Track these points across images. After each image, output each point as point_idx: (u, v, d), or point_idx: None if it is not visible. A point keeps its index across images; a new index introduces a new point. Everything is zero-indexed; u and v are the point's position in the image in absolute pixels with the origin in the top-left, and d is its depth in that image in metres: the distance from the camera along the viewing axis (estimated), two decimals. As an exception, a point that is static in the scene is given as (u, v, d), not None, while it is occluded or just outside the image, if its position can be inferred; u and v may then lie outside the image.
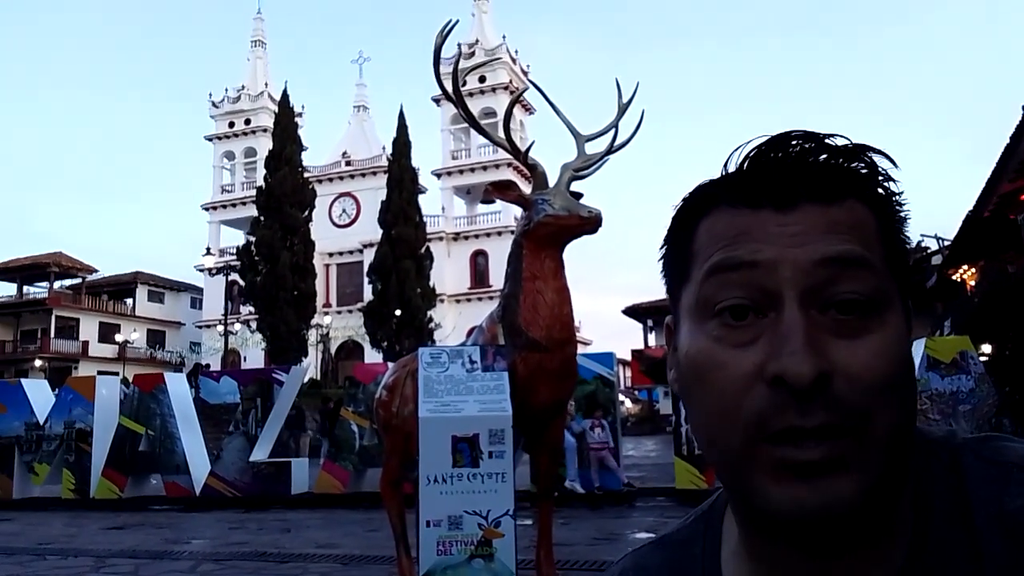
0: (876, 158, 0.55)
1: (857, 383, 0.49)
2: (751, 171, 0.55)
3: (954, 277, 21.47)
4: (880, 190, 0.55)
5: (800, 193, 0.53)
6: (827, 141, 0.54)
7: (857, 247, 0.51)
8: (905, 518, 0.54)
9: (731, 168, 0.57)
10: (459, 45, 38.40)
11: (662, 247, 0.61)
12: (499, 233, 43.26)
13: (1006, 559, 0.50)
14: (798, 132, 0.55)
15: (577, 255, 33.03)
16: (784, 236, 0.52)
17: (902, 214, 0.56)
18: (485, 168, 43.64)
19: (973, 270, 20.78)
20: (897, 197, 0.56)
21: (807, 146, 0.54)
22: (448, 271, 43.76)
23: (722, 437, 0.52)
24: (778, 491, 0.49)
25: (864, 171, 0.55)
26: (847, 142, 0.55)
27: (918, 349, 9.13)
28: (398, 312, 35.30)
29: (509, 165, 40.09)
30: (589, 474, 9.58)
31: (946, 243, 22.23)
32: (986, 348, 17.34)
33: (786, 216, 0.52)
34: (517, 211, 4.39)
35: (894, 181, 0.55)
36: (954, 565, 0.52)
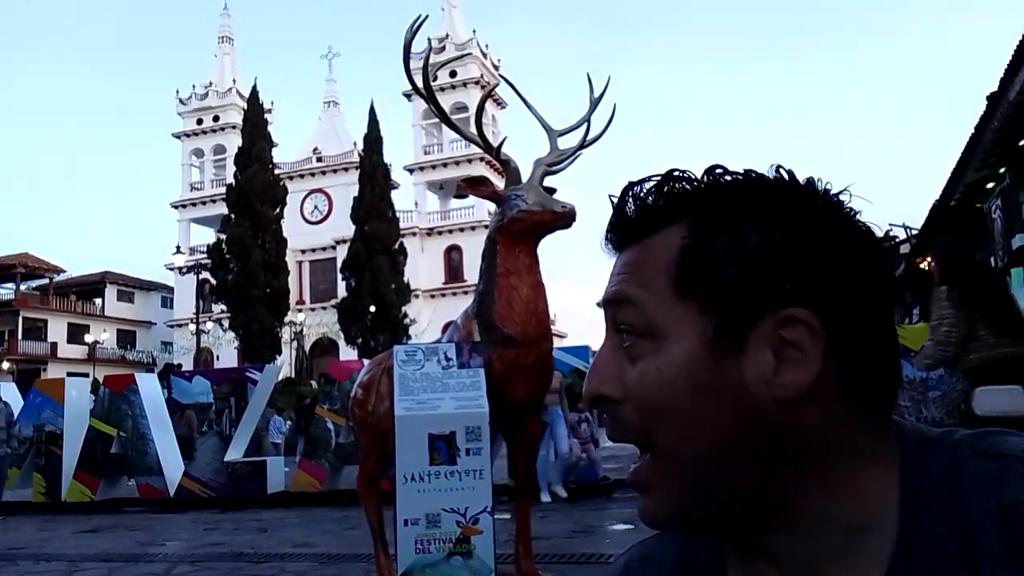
0: (698, 176, 0.58)
1: (633, 405, 0.55)
2: (608, 224, 0.62)
3: (922, 266, 21.77)
4: (700, 207, 0.56)
5: (625, 239, 0.60)
6: (650, 181, 0.59)
7: (625, 287, 0.57)
8: (893, 513, 0.54)
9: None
10: (429, 40, 38.04)
11: None
12: (473, 228, 43.24)
13: (1002, 552, 0.50)
14: (635, 181, 0.60)
15: (552, 248, 33.00)
16: (609, 277, 0.60)
17: (742, 219, 0.55)
18: (458, 163, 43.59)
19: (940, 258, 21.08)
20: (724, 205, 0.55)
21: (636, 193, 0.59)
22: (422, 266, 43.67)
23: None
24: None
25: (677, 196, 0.58)
26: (662, 174, 0.59)
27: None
28: (372, 308, 35.21)
29: (482, 160, 40.03)
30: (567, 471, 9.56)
31: (913, 232, 22.54)
32: (954, 335, 17.58)
33: (615, 260, 0.60)
34: (490, 206, 4.39)
35: (723, 193, 0.56)
36: (944, 558, 0.51)
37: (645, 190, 0.59)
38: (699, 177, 0.58)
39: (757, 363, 0.53)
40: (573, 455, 9.15)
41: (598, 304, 0.60)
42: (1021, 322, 4.23)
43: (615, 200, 0.61)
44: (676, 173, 0.58)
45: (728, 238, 0.54)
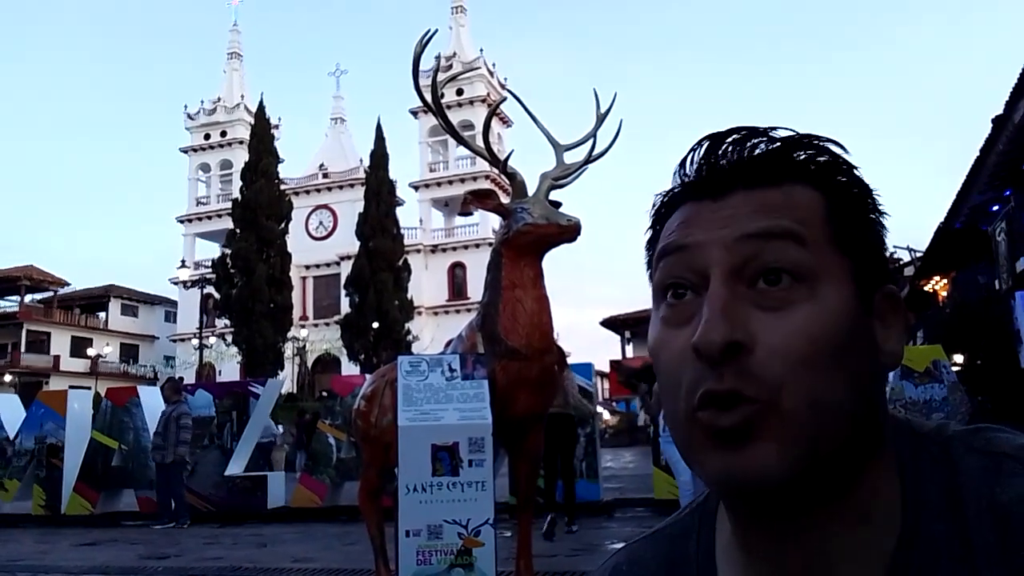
0: (827, 145, 0.56)
1: (774, 356, 0.50)
2: (696, 168, 0.58)
3: (926, 288, 21.73)
4: (828, 174, 0.55)
5: (734, 182, 0.55)
6: (769, 132, 0.56)
7: (785, 221, 0.52)
8: (894, 509, 0.54)
9: (686, 167, 0.59)
10: (437, 58, 38.35)
11: (645, 251, 0.62)
12: (477, 245, 43.27)
13: (998, 550, 0.50)
14: (741, 127, 0.57)
15: (555, 267, 33.06)
16: (715, 220, 0.54)
17: (864, 195, 0.56)
18: (463, 180, 43.65)
19: (945, 281, 21.06)
20: (851, 179, 0.56)
21: (746, 138, 0.56)
22: (426, 283, 43.65)
23: (672, 412, 0.54)
24: (710, 459, 0.51)
25: (807, 157, 0.56)
26: (791, 133, 0.56)
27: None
28: (375, 325, 35.18)
29: (487, 177, 40.13)
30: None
31: (918, 254, 22.51)
32: (958, 358, 17.55)
33: (719, 203, 0.55)
34: (495, 223, 4.40)
35: (848, 166, 0.56)
36: (945, 556, 0.51)
37: (772, 141, 0.56)
38: (828, 145, 0.56)
39: (878, 328, 0.55)
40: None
41: (724, 242, 0.53)
42: None
43: (738, 137, 0.56)
44: (795, 135, 0.56)
45: (868, 209, 0.57)
